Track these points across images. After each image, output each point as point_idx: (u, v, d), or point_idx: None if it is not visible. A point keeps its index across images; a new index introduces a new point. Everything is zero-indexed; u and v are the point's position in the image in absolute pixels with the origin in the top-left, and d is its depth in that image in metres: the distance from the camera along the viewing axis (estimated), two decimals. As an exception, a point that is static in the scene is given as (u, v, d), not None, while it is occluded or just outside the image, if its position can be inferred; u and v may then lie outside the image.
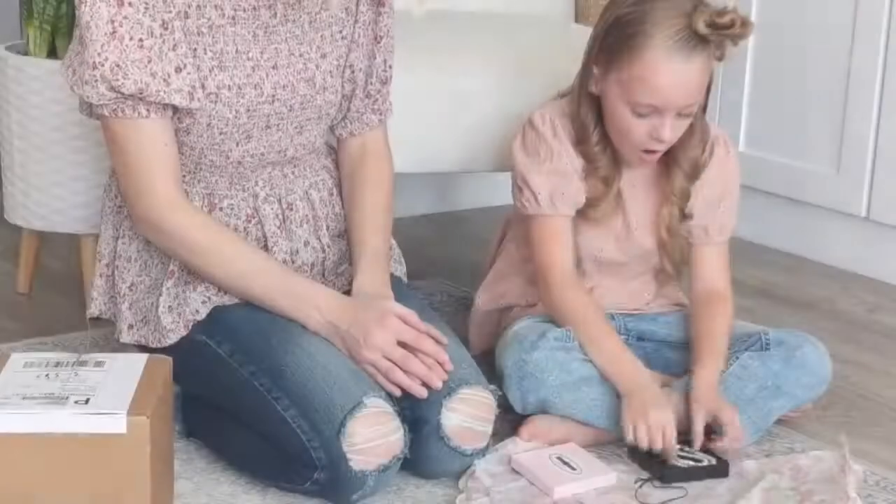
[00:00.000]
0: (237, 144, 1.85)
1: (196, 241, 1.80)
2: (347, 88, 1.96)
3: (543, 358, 1.94)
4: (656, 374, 2.06)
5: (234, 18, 1.81)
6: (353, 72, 1.96)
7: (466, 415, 1.79)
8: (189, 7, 1.77)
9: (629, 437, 1.88)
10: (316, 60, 1.88)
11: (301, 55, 1.87)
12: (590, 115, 2.01)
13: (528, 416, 1.98)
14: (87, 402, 1.59)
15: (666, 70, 1.89)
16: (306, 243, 1.92)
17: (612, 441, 1.98)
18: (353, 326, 1.78)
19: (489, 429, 1.83)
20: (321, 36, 1.89)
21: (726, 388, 1.99)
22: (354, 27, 1.93)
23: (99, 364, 1.69)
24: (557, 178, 2.03)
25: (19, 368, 1.68)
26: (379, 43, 1.96)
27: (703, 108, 2.05)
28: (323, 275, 1.94)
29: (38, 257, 2.52)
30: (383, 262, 1.93)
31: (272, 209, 1.89)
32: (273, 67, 1.84)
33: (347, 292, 1.88)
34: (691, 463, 1.91)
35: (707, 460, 1.91)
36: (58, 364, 1.69)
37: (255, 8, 1.82)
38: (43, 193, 2.37)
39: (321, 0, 1.83)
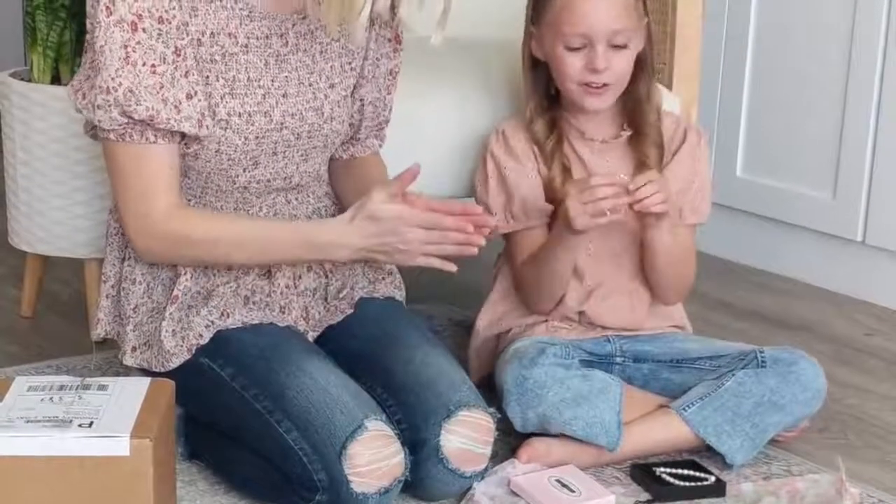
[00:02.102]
0: (244, 170, 1.87)
1: (202, 233, 1.82)
2: (355, 119, 1.99)
3: (543, 374, 1.96)
4: (654, 395, 2.09)
5: (246, 47, 1.83)
6: (362, 104, 1.99)
7: (465, 437, 1.80)
8: (203, 35, 1.79)
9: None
10: (325, 90, 1.90)
11: (310, 84, 1.89)
12: (534, 86, 2.10)
13: (527, 437, 1.99)
14: (90, 425, 1.60)
15: None
16: (309, 268, 1.94)
17: (611, 462, 1.99)
18: (382, 242, 1.82)
19: (488, 451, 1.84)
20: (331, 66, 1.91)
21: (723, 405, 2.00)
22: (364, 62, 1.96)
23: (102, 387, 1.70)
24: (508, 191, 2.09)
25: (24, 392, 1.69)
26: (394, 78, 2.01)
27: (652, 71, 2.11)
28: (326, 299, 1.96)
29: (41, 281, 2.53)
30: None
31: None
32: (283, 95, 1.86)
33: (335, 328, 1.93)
34: (689, 483, 1.92)
35: (705, 480, 1.93)
36: (62, 387, 1.70)
37: (267, 37, 1.84)
38: (46, 218, 2.38)
39: (346, 33, 1.84)
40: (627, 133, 2.11)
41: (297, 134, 1.88)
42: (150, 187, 1.80)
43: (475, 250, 1.83)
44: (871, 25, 2.75)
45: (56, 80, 2.40)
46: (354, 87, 1.98)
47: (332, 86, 1.91)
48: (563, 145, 2.10)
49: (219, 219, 1.87)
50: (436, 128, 2.22)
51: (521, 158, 2.11)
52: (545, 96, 2.12)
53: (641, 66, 2.07)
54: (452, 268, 1.82)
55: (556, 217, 2.06)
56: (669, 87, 2.39)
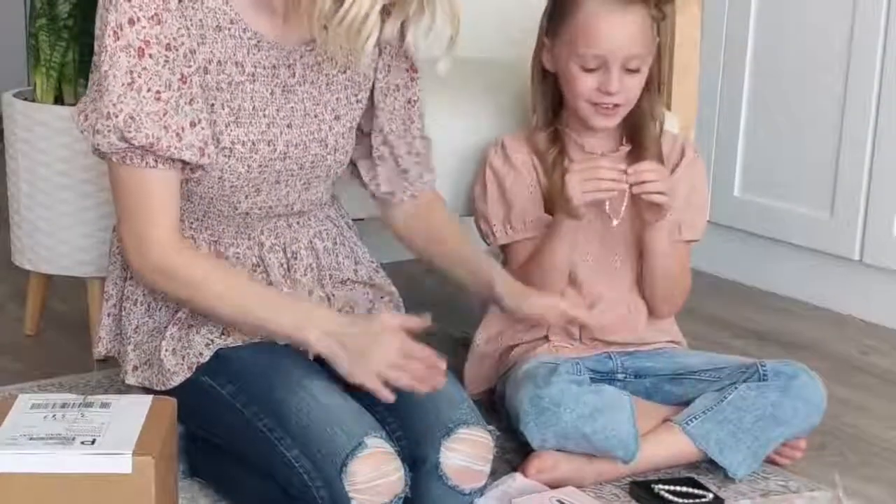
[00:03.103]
0: (246, 197, 1.87)
1: (193, 276, 1.80)
2: (383, 152, 2.00)
3: (558, 392, 1.97)
4: (659, 406, 2.11)
5: (253, 76, 1.82)
6: (384, 136, 1.99)
7: (465, 454, 1.80)
8: (210, 63, 1.78)
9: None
10: (329, 122, 1.90)
11: (316, 116, 1.89)
12: (542, 97, 2.12)
13: (528, 453, 2.00)
14: (93, 442, 1.61)
15: (605, 18, 2.01)
16: (310, 292, 1.94)
17: (614, 478, 2.01)
18: (356, 340, 1.78)
19: (487, 468, 1.84)
20: (336, 98, 1.91)
21: (725, 419, 2.02)
22: (374, 93, 1.96)
23: (105, 405, 1.70)
24: (507, 202, 2.12)
25: (27, 409, 1.69)
26: (413, 107, 2.00)
27: (658, 89, 2.14)
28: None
29: (44, 300, 2.54)
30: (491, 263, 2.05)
31: (276, 258, 1.92)
32: (288, 126, 1.86)
33: None
34: (687, 500, 1.93)
35: (703, 497, 1.93)
36: (64, 405, 1.70)
37: (274, 67, 1.83)
38: (49, 237, 2.39)
39: (351, 60, 1.82)
40: (627, 148, 2.13)
41: (300, 164, 1.89)
42: (149, 212, 1.79)
43: (423, 391, 1.78)
44: (868, 47, 2.77)
45: (59, 100, 2.41)
46: (373, 119, 1.98)
47: (337, 118, 1.91)
48: (564, 157, 2.12)
49: (214, 267, 1.84)
50: (441, 145, 2.21)
51: (521, 170, 2.12)
52: (550, 108, 2.14)
53: (647, 82, 2.09)
54: (390, 398, 1.77)
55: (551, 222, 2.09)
56: (668, 107, 2.41)
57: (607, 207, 2.06)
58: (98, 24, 1.76)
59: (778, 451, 2.08)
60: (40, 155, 2.36)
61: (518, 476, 1.95)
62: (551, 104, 2.13)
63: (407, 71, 1.99)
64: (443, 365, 1.78)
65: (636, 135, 2.13)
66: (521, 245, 2.13)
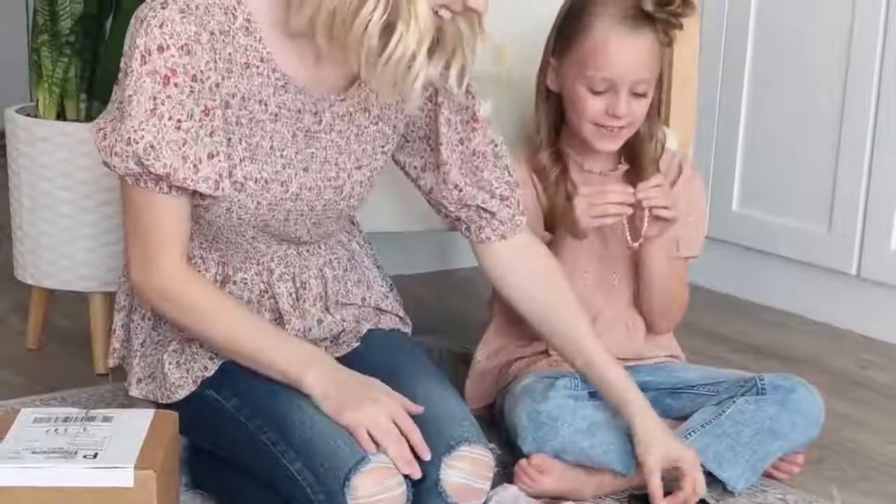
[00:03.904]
0: (253, 227, 1.85)
1: (195, 303, 1.80)
2: (451, 204, 1.96)
3: (556, 407, 1.98)
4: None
5: (276, 116, 1.79)
6: (459, 190, 1.95)
7: (465, 472, 1.79)
8: (233, 97, 1.75)
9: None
10: (349, 170, 1.88)
11: (336, 164, 1.86)
12: (546, 116, 2.12)
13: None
14: (95, 456, 1.61)
15: (616, 42, 2.01)
16: (319, 321, 1.93)
17: (613, 491, 2.01)
18: (354, 390, 1.77)
19: (487, 486, 1.84)
20: (362, 149, 1.88)
21: (724, 433, 2.03)
22: (441, 148, 1.92)
23: (107, 419, 1.71)
24: None
25: (29, 423, 1.70)
26: (481, 157, 1.95)
27: (658, 112, 2.15)
28: (335, 342, 1.96)
29: (46, 314, 2.54)
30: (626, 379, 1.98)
31: (286, 288, 1.91)
32: (304, 170, 1.83)
33: (341, 360, 1.90)
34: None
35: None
36: (67, 419, 1.71)
37: (299, 111, 1.81)
38: (51, 252, 2.40)
39: (401, 101, 1.80)
40: (625, 167, 2.14)
41: (312, 206, 1.86)
42: (159, 238, 1.78)
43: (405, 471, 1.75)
44: (866, 63, 2.78)
45: (61, 115, 2.42)
46: (444, 178, 1.94)
47: (358, 167, 1.89)
48: (567, 176, 2.12)
49: (212, 298, 1.82)
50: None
51: (521, 188, 2.12)
52: (553, 126, 2.14)
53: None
54: (371, 448, 1.73)
55: (553, 241, 2.10)
56: (667, 122, 2.41)
57: (627, 232, 2.06)
58: (127, 44, 1.74)
59: (776, 465, 2.09)
60: (42, 170, 2.37)
61: (510, 487, 1.95)
62: (554, 123, 2.14)
63: (467, 122, 1.94)
64: (426, 456, 1.76)
65: (635, 155, 2.13)
66: None
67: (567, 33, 2.07)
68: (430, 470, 1.78)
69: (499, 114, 2.27)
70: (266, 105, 1.78)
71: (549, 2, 2.17)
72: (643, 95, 2.05)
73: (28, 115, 2.42)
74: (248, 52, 1.75)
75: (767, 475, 2.09)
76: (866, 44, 2.78)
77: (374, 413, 1.74)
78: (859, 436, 2.33)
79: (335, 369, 1.80)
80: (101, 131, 1.77)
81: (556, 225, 2.09)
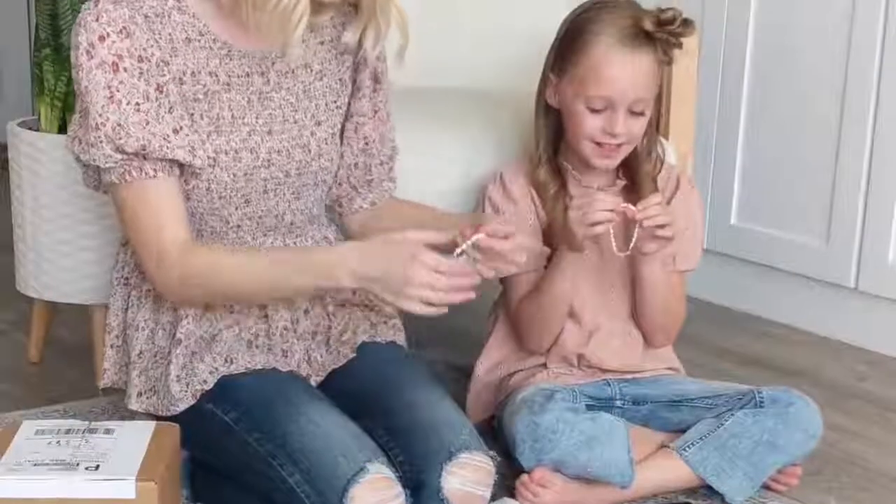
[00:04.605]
0: (236, 209, 1.89)
1: (220, 270, 1.82)
2: (360, 159, 2.02)
3: (554, 419, 1.99)
4: (654, 433, 2.12)
5: (228, 85, 1.86)
6: (367, 143, 2.02)
7: (466, 479, 1.80)
8: (184, 74, 1.82)
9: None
10: (311, 128, 1.93)
11: (296, 122, 1.92)
12: (545, 131, 2.13)
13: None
14: (97, 468, 1.63)
15: (615, 61, 2.02)
16: (307, 312, 1.96)
17: (615, 503, 2.02)
18: (387, 274, 1.75)
19: (488, 494, 1.84)
20: (315, 105, 1.94)
21: (722, 445, 2.03)
22: (358, 100, 2.00)
23: (108, 431, 1.73)
24: None
25: (31, 435, 1.71)
26: (376, 115, 2.03)
27: (657, 128, 2.16)
28: (328, 342, 1.98)
29: (48, 327, 2.55)
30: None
31: None
32: (268, 133, 1.89)
33: (338, 371, 1.94)
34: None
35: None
36: (68, 431, 1.73)
37: (248, 75, 1.87)
38: (53, 265, 2.41)
39: (284, 54, 1.85)
40: (623, 183, 2.15)
41: (286, 171, 1.91)
42: (158, 221, 1.81)
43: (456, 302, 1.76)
44: (864, 77, 2.79)
45: (63, 129, 2.42)
46: (355, 126, 2.01)
47: (318, 123, 1.94)
48: (565, 192, 2.13)
49: (224, 252, 1.87)
50: (440, 177, 2.24)
51: (520, 203, 2.14)
52: (552, 142, 2.15)
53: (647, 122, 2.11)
54: (441, 311, 1.74)
55: (552, 256, 2.11)
56: (666, 137, 2.42)
57: (613, 241, 2.05)
58: (72, 51, 1.80)
59: (774, 477, 2.10)
60: (44, 184, 2.38)
61: (510, 501, 1.96)
62: (553, 139, 2.15)
63: (373, 80, 2.01)
64: (475, 277, 1.75)
65: (633, 172, 2.14)
66: (520, 278, 2.14)
67: (567, 50, 2.08)
68: (430, 478, 1.79)
69: (498, 128, 2.30)
70: (216, 76, 1.84)
71: (551, 17, 2.18)
72: (641, 114, 2.05)
73: (30, 128, 2.44)
74: (186, 29, 1.83)
75: (766, 487, 2.10)
76: (864, 63, 2.79)
77: (413, 286, 1.72)
78: (857, 448, 2.34)
79: (360, 264, 1.76)
80: (75, 140, 1.83)
81: (556, 240, 2.10)
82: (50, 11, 2.40)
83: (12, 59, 4.32)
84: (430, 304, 1.74)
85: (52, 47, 2.41)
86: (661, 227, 2.01)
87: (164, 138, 1.79)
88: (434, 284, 1.72)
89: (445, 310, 1.74)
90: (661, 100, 2.19)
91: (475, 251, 1.78)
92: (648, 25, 2.01)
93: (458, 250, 1.74)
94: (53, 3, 2.39)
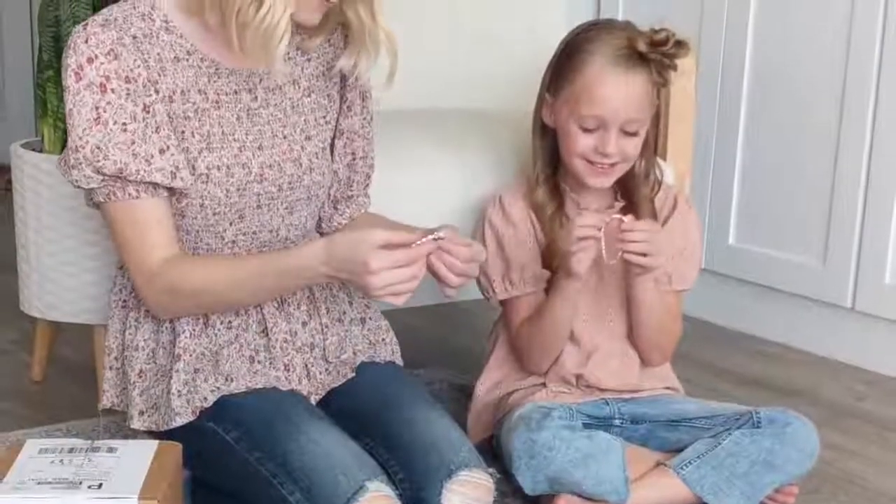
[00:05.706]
0: (230, 224, 1.91)
1: (191, 285, 1.85)
2: (343, 175, 2.05)
3: (550, 436, 2.00)
4: (652, 452, 2.13)
5: (217, 102, 1.88)
6: (353, 159, 2.05)
7: (466, 497, 1.81)
8: (173, 93, 1.84)
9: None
10: (301, 142, 1.95)
11: (285, 137, 1.93)
12: (542, 151, 2.15)
13: (532, 500, 2.02)
14: (100, 486, 1.64)
15: (608, 81, 2.03)
16: (304, 324, 1.97)
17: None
18: (352, 279, 1.77)
19: (488, 511, 1.86)
20: (304, 120, 1.96)
21: (720, 464, 2.04)
22: (349, 117, 2.02)
23: (111, 450, 1.73)
24: (506, 258, 2.14)
25: (34, 454, 1.72)
26: (364, 131, 2.06)
27: (654, 150, 2.17)
28: (326, 358, 1.98)
29: (51, 346, 2.56)
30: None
31: None
32: (259, 148, 1.91)
33: (337, 390, 1.95)
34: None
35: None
36: (72, 450, 1.73)
37: (236, 92, 1.89)
38: (57, 285, 2.41)
39: (271, 71, 1.87)
40: (621, 204, 2.16)
41: (279, 185, 1.93)
42: (143, 242, 1.84)
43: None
44: (861, 97, 2.79)
45: (66, 150, 2.45)
46: (345, 143, 2.03)
47: (308, 138, 1.96)
48: (562, 212, 2.14)
49: (203, 264, 1.88)
50: (440, 198, 2.25)
51: (519, 226, 2.15)
52: (549, 163, 2.16)
53: (644, 143, 2.11)
54: (404, 299, 1.76)
55: (553, 281, 2.12)
56: (664, 157, 2.43)
57: (603, 249, 2.04)
58: (62, 72, 1.82)
59: (771, 497, 2.10)
60: (48, 204, 2.39)
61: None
62: (551, 159, 2.16)
63: (360, 99, 2.04)
64: (431, 244, 1.77)
65: (630, 193, 2.15)
66: (520, 300, 2.16)
67: (562, 70, 2.09)
68: (431, 495, 1.80)
69: (496, 148, 2.31)
70: (206, 94, 1.87)
71: (550, 37, 2.20)
72: (635, 134, 2.06)
73: (34, 149, 2.45)
74: (174, 48, 1.85)
75: (763, 506, 2.11)
76: (861, 85, 2.80)
77: (377, 288, 1.74)
78: (855, 467, 2.34)
79: (328, 269, 1.78)
80: (62, 159, 1.85)
81: (554, 262, 2.12)
82: (53, 34, 2.42)
83: (15, 80, 4.34)
84: (396, 291, 1.75)
85: (55, 69, 2.42)
86: (641, 255, 2.01)
87: (147, 160, 1.80)
88: (395, 282, 1.74)
89: (410, 295, 1.76)
90: (658, 120, 2.20)
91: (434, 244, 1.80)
92: (642, 46, 2.02)
93: (418, 242, 1.77)
94: (56, 26, 2.41)
